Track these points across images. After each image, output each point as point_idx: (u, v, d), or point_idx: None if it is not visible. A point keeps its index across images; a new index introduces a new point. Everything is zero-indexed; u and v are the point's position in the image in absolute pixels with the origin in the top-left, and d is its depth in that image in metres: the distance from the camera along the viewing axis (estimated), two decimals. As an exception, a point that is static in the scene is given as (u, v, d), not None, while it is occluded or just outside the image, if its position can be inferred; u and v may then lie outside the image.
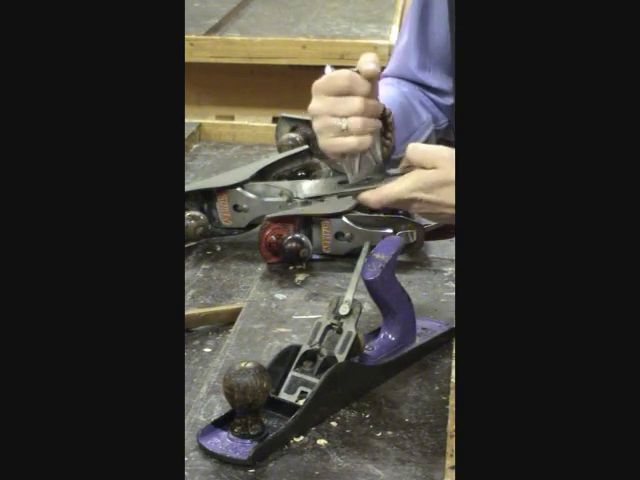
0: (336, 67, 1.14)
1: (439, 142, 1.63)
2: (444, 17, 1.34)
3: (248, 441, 1.01)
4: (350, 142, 1.09)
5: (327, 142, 1.11)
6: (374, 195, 1.09)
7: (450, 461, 0.95)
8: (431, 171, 1.08)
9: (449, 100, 1.38)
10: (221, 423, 1.03)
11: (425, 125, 1.36)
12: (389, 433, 1.04)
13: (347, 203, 1.40)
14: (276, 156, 1.66)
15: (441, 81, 1.38)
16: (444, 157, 1.08)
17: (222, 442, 1.01)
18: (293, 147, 1.71)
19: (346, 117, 1.09)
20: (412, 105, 1.35)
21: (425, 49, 1.38)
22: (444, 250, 1.45)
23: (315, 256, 1.43)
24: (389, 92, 1.33)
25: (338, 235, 1.44)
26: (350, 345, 1.09)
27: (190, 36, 2.45)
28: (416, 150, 1.10)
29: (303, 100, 2.78)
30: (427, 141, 1.36)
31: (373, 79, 1.10)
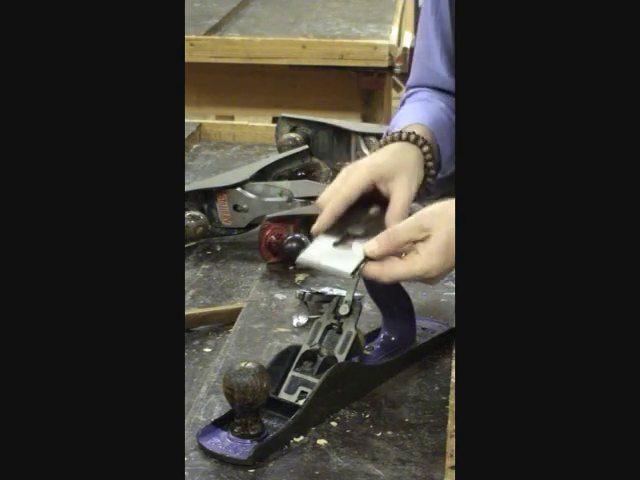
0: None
1: None
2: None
3: (248, 441, 1.01)
4: None
5: None
6: (384, 275, 1.05)
7: (450, 461, 0.95)
8: (436, 243, 1.05)
9: None
10: (221, 423, 1.03)
11: None
12: (389, 433, 1.04)
13: None
14: (276, 156, 1.66)
15: None
16: (437, 224, 1.06)
17: (222, 442, 1.01)
18: (293, 147, 1.71)
19: None
20: (451, 119, 1.31)
21: (447, 52, 1.34)
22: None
23: (315, 256, 1.43)
24: (429, 110, 1.29)
25: (338, 235, 1.44)
26: (350, 345, 1.09)
27: (190, 36, 2.45)
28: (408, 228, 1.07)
29: (303, 100, 2.79)
30: None
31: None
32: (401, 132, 1.18)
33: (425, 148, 1.18)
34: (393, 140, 1.18)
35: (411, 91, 1.37)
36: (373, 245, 1.05)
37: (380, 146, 1.19)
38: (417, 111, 1.29)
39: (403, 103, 1.36)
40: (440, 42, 1.33)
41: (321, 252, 1.06)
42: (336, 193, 1.10)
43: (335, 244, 1.08)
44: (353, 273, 1.04)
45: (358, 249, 1.06)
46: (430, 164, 1.19)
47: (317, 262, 1.05)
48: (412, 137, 1.18)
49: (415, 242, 1.05)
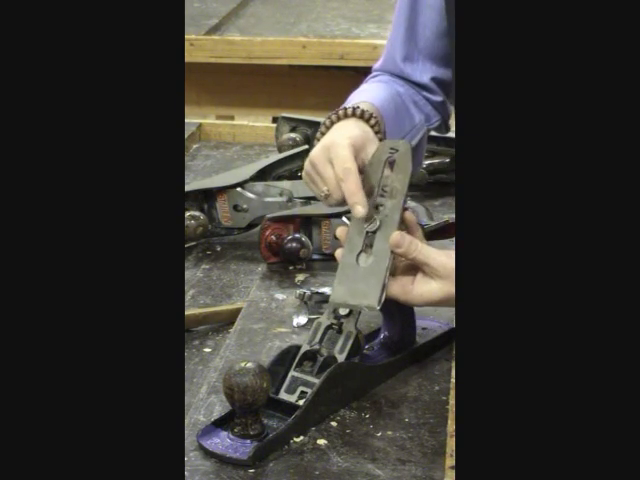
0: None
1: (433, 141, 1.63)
2: (436, 9, 1.33)
3: (248, 441, 1.01)
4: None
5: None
6: (401, 297, 1.09)
7: (450, 461, 0.95)
8: (432, 293, 1.08)
9: (439, 97, 1.37)
10: (221, 423, 1.03)
11: (417, 128, 1.35)
12: (389, 433, 1.04)
13: None
14: (276, 156, 1.66)
15: (427, 73, 1.35)
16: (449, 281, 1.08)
17: (222, 442, 1.01)
18: (293, 147, 1.71)
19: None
20: (406, 107, 1.34)
21: (414, 40, 1.35)
22: (443, 249, 1.45)
23: (315, 256, 1.44)
24: (383, 92, 1.32)
25: (338, 235, 1.43)
26: (350, 345, 1.09)
27: (190, 36, 2.45)
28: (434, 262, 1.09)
29: (303, 100, 2.78)
30: (418, 144, 1.35)
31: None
32: (346, 109, 1.20)
33: (372, 121, 1.20)
34: (339, 118, 1.19)
35: (375, 73, 1.40)
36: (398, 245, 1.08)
37: (332, 122, 1.20)
38: (369, 91, 1.32)
39: (365, 82, 1.39)
40: (406, 30, 1.36)
41: (348, 284, 1.10)
42: (345, 172, 1.10)
43: (358, 254, 1.10)
44: (379, 303, 1.08)
45: (379, 262, 1.08)
46: (380, 136, 1.20)
47: (345, 302, 1.10)
48: (358, 112, 1.19)
49: (418, 269, 1.09)
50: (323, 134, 1.19)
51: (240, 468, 0.98)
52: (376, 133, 1.19)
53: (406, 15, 1.35)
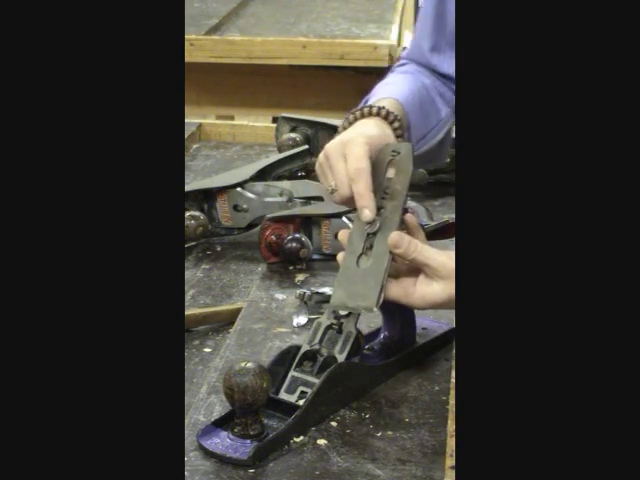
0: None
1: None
2: None
3: (248, 441, 1.01)
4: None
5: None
6: (403, 300, 1.08)
7: (450, 461, 0.95)
8: (435, 294, 1.07)
9: None
10: (221, 423, 1.03)
11: (443, 122, 1.33)
12: (389, 433, 1.04)
13: None
14: (276, 156, 1.66)
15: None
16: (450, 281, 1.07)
17: (222, 442, 1.01)
18: (293, 147, 1.71)
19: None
20: (432, 100, 1.32)
21: (442, 30, 1.33)
22: (444, 250, 1.45)
23: (315, 256, 1.44)
24: (409, 84, 1.31)
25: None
26: (350, 345, 1.09)
27: (190, 36, 2.45)
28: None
29: (303, 100, 2.78)
30: (444, 137, 1.34)
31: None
32: (371, 107, 1.19)
33: (396, 124, 1.19)
34: (362, 115, 1.18)
35: (402, 61, 1.39)
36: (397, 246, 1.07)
37: (356, 118, 1.19)
38: (395, 84, 1.31)
39: (392, 72, 1.37)
40: (434, 20, 1.34)
41: (347, 287, 1.09)
42: (358, 173, 1.08)
43: (359, 257, 1.09)
44: (377, 304, 1.07)
45: (379, 261, 1.08)
46: (400, 140, 1.19)
47: (344, 305, 1.09)
48: (383, 112, 1.18)
49: (420, 271, 1.07)
50: (345, 129, 1.18)
51: (240, 468, 0.98)
52: (397, 137, 1.18)
53: (434, 4, 1.33)
